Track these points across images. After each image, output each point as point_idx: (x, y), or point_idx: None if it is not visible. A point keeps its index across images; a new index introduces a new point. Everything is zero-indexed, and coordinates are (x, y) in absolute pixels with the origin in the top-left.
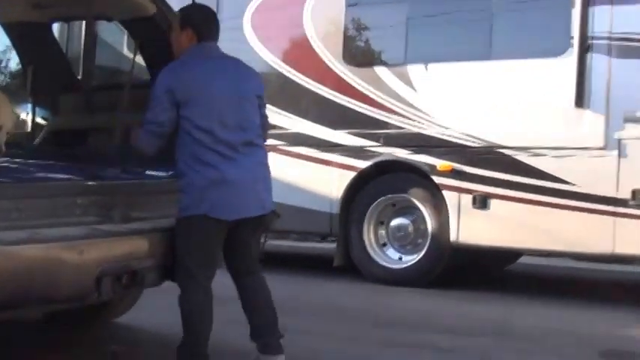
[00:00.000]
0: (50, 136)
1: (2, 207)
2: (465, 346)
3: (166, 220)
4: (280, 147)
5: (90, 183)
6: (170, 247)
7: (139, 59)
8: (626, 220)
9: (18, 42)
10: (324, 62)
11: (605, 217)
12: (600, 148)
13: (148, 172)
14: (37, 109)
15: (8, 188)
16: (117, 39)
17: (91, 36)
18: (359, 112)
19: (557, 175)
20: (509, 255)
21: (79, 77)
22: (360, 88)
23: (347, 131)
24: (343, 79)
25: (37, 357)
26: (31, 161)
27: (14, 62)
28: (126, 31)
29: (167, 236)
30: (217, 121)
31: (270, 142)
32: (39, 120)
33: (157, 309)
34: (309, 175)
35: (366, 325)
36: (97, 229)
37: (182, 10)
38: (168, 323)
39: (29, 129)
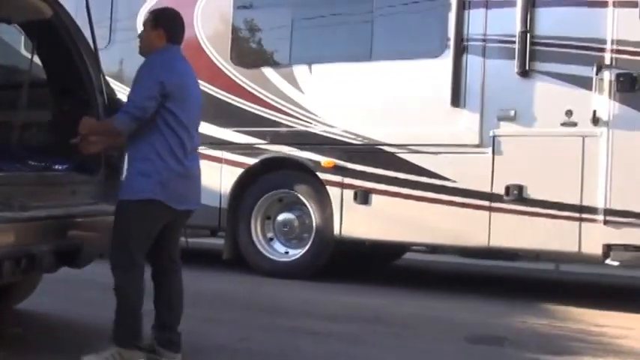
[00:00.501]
0: None
1: None
2: (342, 332)
3: (62, 209)
4: None
5: None
6: (65, 234)
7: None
8: (500, 214)
9: None
10: (213, 63)
11: (480, 211)
12: (476, 146)
13: (45, 165)
14: None
15: None
16: (15, 40)
17: None
18: (247, 111)
19: (435, 172)
20: (394, 250)
21: None
22: (247, 88)
23: (235, 129)
24: (232, 80)
25: None
26: None
27: None
28: (23, 33)
29: (63, 224)
30: (191, 120)
31: None
32: None
33: (57, 295)
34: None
35: (249, 312)
36: None
37: (154, 11)
38: (67, 309)
39: None
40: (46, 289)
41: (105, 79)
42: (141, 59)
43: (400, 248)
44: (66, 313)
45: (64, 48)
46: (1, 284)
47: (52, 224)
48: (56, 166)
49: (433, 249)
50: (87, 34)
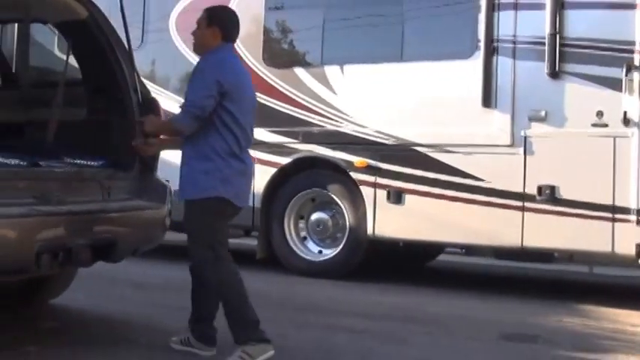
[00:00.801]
0: None
1: None
2: (376, 329)
3: (98, 205)
4: None
5: (29, 169)
6: (101, 229)
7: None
8: (533, 214)
9: None
10: (245, 63)
11: (513, 211)
12: (507, 146)
13: (80, 162)
14: None
15: None
16: (48, 40)
17: (26, 37)
18: (279, 111)
19: (467, 172)
20: (428, 251)
21: (15, 75)
22: (279, 88)
23: (268, 129)
24: (263, 80)
25: None
26: None
27: None
28: (57, 33)
29: (99, 218)
30: (247, 119)
31: None
32: None
33: (91, 291)
34: None
35: (283, 310)
36: (36, 209)
37: (209, 9)
38: (101, 304)
39: None
40: (80, 285)
41: (139, 77)
42: (173, 60)
43: (434, 249)
44: (100, 308)
45: (99, 47)
46: (37, 276)
47: (87, 219)
48: (91, 163)
49: (467, 251)
50: (121, 34)
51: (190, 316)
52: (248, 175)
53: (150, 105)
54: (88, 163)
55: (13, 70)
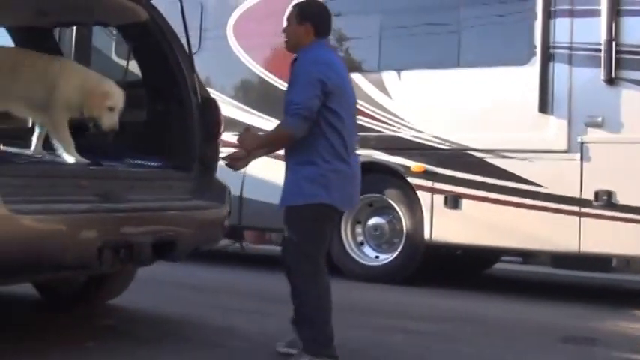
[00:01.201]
0: None
1: (17, 184)
2: (434, 331)
3: (159, 203)
4: None
5: (91, 168)
6: (161, 227)
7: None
8: (590, 220)
9: (22, 46)
10: None
11: (570, 217)
12: (564, 152)
13: (141, 162)
14: None
15: (22, 169)
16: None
17: (89, 40)
18: None
19: (524, 177)
20: (485, 257)
21: None
22: None
23: None
24: None
25: (37, 329)
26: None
27: None
28: (114, 37)
29: (160, 217)
30: (350, 117)
31: None
32: None
33: (148, 293)
34: None
35: (341, 312)
36: (99, 206)
37: (300, 5)
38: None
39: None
40: (138, 287)
41: (199, 79)
42: (231, 66)
43: (491, 257)
44: (157, 308)
45: (159, 50)
46: (97, 276)
47: (149, 217)
48: (151, 163)
49: (525, 259)
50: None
51: (292, 317)
52: (356, 177)
53: (209, 106)
54: (149, 163)
55: None
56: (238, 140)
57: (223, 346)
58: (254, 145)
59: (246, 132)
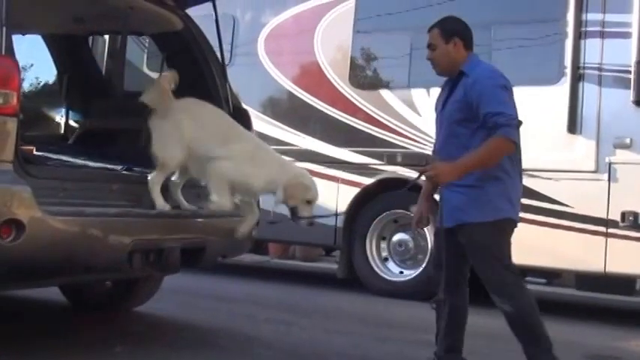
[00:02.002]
0: (81, 136)
1: (52, 186)
2: None
3: (188, 210)
4: None
5: (123, 173)
6: (191, 233)
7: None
8: (616, 240)
9: (57, 53)
10: (332, 85)
11: (597, 237)
12: (592, 172)
13: None
14: (71, 113)
15: (56, 172)
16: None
17: (123, 48)
18: (364, 132)
19: (551, 197)
20: None
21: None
22: (365, 109)
23: (352, 149)
24: (350, 101)
25: (65, 333)
26: (72, 155)
27: (49, 70)
28: (146, 48)
29: (189, 223)
30: None
31: None
32: (72, 123)
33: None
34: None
35: (365, 325)
36: (130, 211)
37: (441, 24)
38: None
39: (62, 131)
40: (164, 296)
41: (231, 89)
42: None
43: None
44: (183, 316)
45: (193, 59)
46: (126, 281)
47: (179, 223)
48: None
49: (549, 280)
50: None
51: (437, 347)
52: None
53: (240, 115)
54: None
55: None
56: (431, 176)
57: (250, 353)
58: (457, 173)
59: (438, 164)
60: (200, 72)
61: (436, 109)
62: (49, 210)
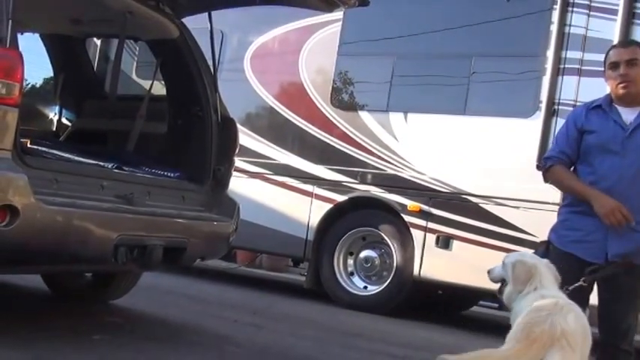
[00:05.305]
0: (73, 135)
1: (47, 177)
2: (417, 356)
3: (173, 210)
4: (267, 175)
5: (114, 171)
6: (174, 233)
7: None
8: None
9: (53, 53)
10: (314, 104)
11: None
12: (558, 204)
13: (157, 172)
14: (64, 112)
15: (51, 164)
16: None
17: (120, 52)
18: (340, 151)
19: (516, 225)
20: (465, 300)
21: (104, 86)
22: (343, 129)
23: (328, 167)
24: (329, 120)
25: (46, 320)
26: (64, 151)
27: (45, 69)
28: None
29: (173, 223)
30: None
31: (258, 170)
32: (64, 121)
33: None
34: (291, 203)
35: (329, 332)
36: (118, 206)
37: None
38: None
39: (54, 128)
40: (139, 292)
41: (220, 98)
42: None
43: (471, 298)
44: (157, 311)
45: (186, 67)
46: (106, 275)
47: (164, 222)
48: (169, 173)
49: (500, 306)
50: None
51: None
52: None
53: (228, 125)
54: (166, 173)
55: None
56: (623, 221)
57: (221, 350)
58: None
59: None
60: (192, 80)
61: (600, 137)
62: (43, 199)
